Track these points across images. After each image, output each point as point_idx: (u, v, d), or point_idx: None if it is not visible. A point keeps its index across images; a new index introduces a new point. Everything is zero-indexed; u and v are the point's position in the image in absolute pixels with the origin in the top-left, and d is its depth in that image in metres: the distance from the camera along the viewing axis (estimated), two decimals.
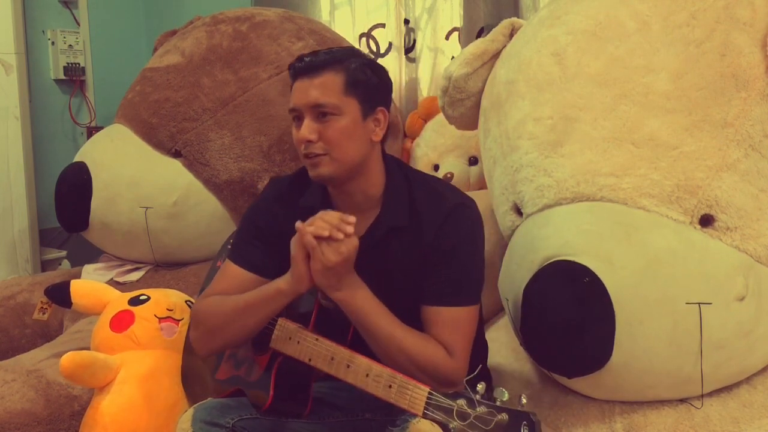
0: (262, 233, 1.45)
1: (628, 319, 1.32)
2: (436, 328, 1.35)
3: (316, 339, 1.32)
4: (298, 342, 1.34)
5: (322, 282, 1.29)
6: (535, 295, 1.39)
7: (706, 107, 1.45)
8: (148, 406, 1.71)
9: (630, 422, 1.43)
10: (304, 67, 1.37)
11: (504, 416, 1.08)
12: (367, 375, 1.24)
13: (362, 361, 1.26)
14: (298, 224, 1.29)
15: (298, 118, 1.37)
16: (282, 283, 1.32)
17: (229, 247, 1.54)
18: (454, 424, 1.11)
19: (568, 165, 1.52)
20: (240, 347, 1.52)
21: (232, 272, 1.45)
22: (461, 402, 1.12)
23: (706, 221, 1.43)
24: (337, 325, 1.35)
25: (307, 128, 1.34)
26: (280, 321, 1.38)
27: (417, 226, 1.39)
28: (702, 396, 1.43)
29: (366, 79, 1.38)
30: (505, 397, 1.11)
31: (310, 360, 1.31)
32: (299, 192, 1.46)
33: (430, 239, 1.37)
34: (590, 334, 1.33)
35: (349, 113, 1.35)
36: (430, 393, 1.16)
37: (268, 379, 1.40)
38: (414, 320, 1.36)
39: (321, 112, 1.34)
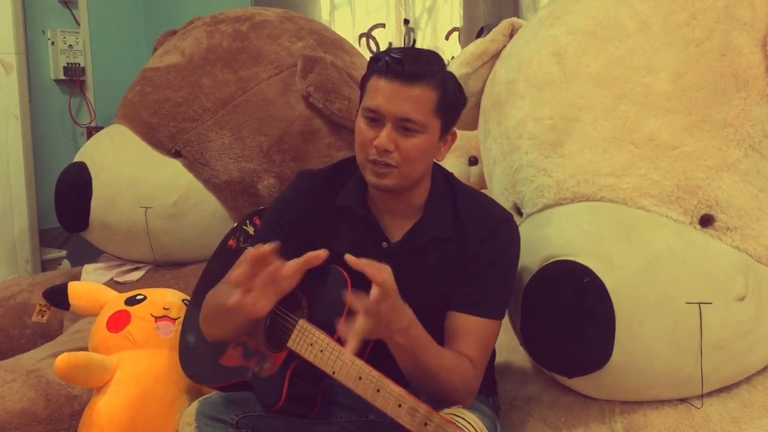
0: (292, 227, 1.42)
1: (628, 319, 1.32)
2: (463, 337, 1.34)
3: (341, 353, 1.28)
4: (321, 351, 1.30)
5: (384, 336, 1.24)
6: (535, 295, 1.39)
7: (706, 107, 1.45)
8: (145, 405, 1.70)
9: (630, 422, 1.43)
10: (402, 72, 1.28)
11: None
12: (400, 405, 1.21)
13: (394, 389, 1.23)
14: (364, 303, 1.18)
15: (376, 120, 1.31)
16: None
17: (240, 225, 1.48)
18: None
19: (568, 165, 1.52)
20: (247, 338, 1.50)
21: None
22: None
23: (706, 221, 1.43)
24: None
25: (388, 138, 1.28)
26: (301, 322, 1.34)
27: (461, 238, 1.37)
28: (702, 396, 1.42)
29: (455, 100, 1.34)
30: None
31: (334, 373, 1.28)
32: (335, 189, 1.43)
33: (473, 252, 1.36)
34: (590, 334, 1.33)
35: (431, 133, 1.32)
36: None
37: (282, 380, 1.37)
38: (433, 326, 1.34)
39: (406, 127, 1.29)
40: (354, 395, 1.37)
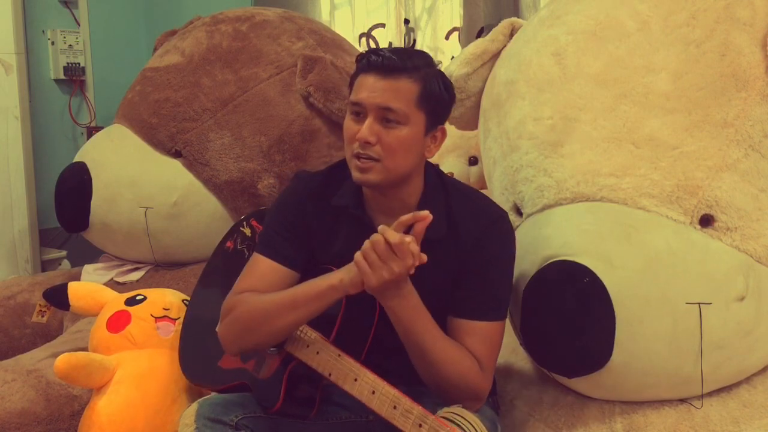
0: (294, 227, 1.42)
1: (628, 319, 1.32)
2: (469, 341, 1.33)
3: (339, 355, 1.30)
4: (318, 353, 1.32)
5: (378, 291, 1.24)
6: (535, 295, 1.39)
7: (706, 107, 1.45)
8: (145, 405, 1.70)
9: (630, 422, 1.43)
10: (382, 65, 1.30)
11: None
12: (395, 407, 1.22)
13: (389, 391, 1.24)
14: (394, 236, 1.19)
15: (360, 114, 1.32)
16: (336, 281, 1.27)
17: (227, 232, 1.49)
18: None
19: (568, 165, 1.52)
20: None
21: (264, 267, 1.41)
22: None
23: (706, 221, 1.43)
24: (356, 333, 1.33)
25: (369, 129, 1.29)
26: (302, 327, 1.36)
27: (454, 236, 1.37)
28: (702, 396, 1.42)
29: (439, 94, 1.34)
30: None
31: (330, 375, 1.29)
32: (332, 190, 1.43)
33: (467, 250, 1.36)
34: (590, 334, 1.33)
35: (414, 125, 1.31)
36: None
37: (279, 381, 1.38)
38: (439, 325, 1.34)
39: (387, 118, 1.30)
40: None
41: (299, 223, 1.42)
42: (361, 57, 1.35)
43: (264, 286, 1.38)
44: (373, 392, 1.24)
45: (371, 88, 1.30)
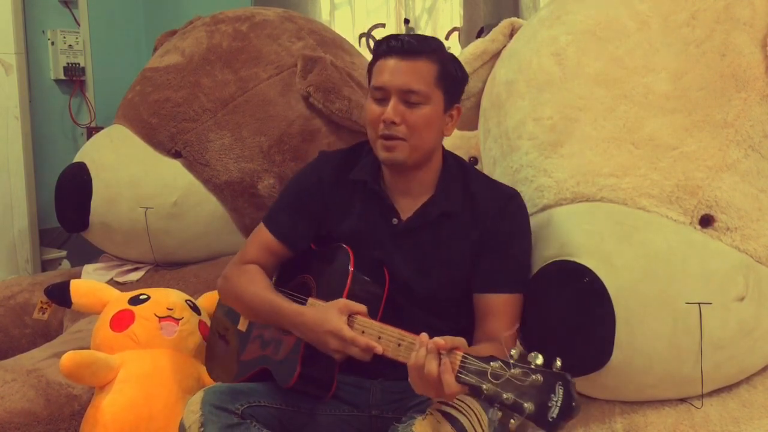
0: (303, 204, 1.50)
1: (628, 319, 1.32)
2: (495, 316, 1.39)
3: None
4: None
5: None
6: (535, 295, 1.39)
7: (706, 107, 1.45)
8: (148, 405, 1.71)
9: (630, 422, 1.43)
10: (400, 48, 1.37)
11: (538, 377, 1.08)
12: (399, 345, 1.25)
13: (393, 331, 1.27)
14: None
15: (383, 98, 1.39)
16: (308, 318, 1.35)
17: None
18: (487, 386, 1.10)
19: (568, 165, 1.52)
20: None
21: (265, 240, 1.52)
22: (495, 364, 1.12)
23: (706, 221, 1.43)
24: (367, 303, 1.36)
25: (394, 110, 1.36)
26: (310, 300, 1.40)
27: (472, 211, 1.43)
28: (702, 396, 1.43)
29: (454, 73, 1.42)
30: (539, 360, 1.10)
31: None
32: (351, 166, 1.50)
33: (486, 224, 1.42)
34: (590, 334, 1.33)
35: (434, 104, 1.39)
36: (464, 356, 1.16)
37: (296, 356, 1.41)
38: (452, 300, 1.41)
39: (410, 100, 1.37)
40: (357, 391, 1.39)
41: (312, 200, 1.49)
42: (379, 43, 1.42)
43: (264, 259, 1.51)
44: (380, 337, 1.28)
45: (393, 71, 1.37)
